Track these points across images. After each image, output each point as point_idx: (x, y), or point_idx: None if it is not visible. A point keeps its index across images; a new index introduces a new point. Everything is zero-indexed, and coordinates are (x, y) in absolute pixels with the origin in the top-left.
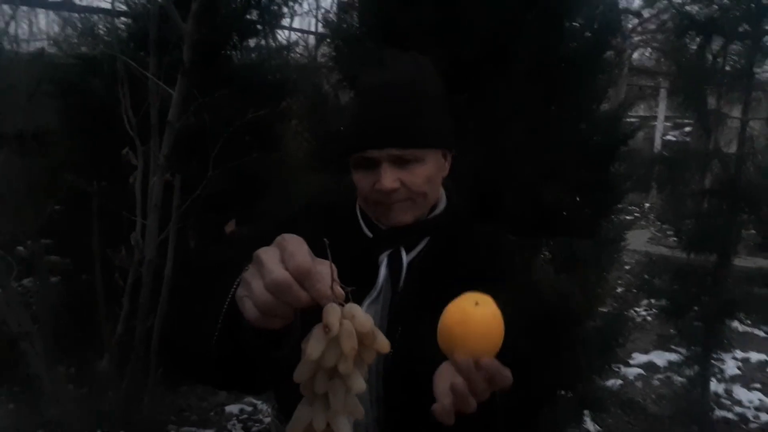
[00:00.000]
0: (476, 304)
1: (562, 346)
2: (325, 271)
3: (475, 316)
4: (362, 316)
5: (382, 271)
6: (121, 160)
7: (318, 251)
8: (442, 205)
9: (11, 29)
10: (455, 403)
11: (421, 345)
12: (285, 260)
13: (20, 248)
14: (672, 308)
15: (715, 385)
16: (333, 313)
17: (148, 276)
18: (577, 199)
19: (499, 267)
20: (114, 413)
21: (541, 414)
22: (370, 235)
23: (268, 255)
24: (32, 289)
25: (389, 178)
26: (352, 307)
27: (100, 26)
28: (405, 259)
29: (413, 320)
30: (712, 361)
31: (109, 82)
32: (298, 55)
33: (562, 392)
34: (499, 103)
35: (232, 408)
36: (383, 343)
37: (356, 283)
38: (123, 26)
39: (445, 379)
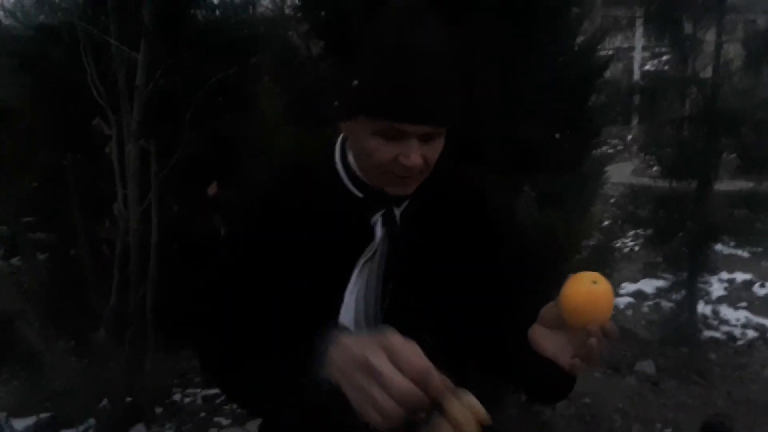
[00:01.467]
0: (594, 282)
1: (549, 280)
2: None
3: (599, 293)
4: (477, 403)
5: (379, 230)
6: (93, 130)
7: (306, 222)
8: None
9: None
10: (588, 362)
11: (412, 298)
12: (399, 364)
13: (3, 228)
14: (657, 236)
15: (702, 307)
16: (458, 409)
17: (135, 245)
18: (556, 134)
19: (485, 213)
20: (117, 382)
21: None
22: (360, 195)
23: (381, 361)
24: (21, 267)
25: (418, 155)
26: (469, 398)
27: None
28: (398, 215)
29: (409, 271)
30: (699, 284)
31: (71, 52)
32: (264, 9)
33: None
34: (470, 41)
35: None
36: (486, 418)
37: (349, 243)
38: None
39: (551, 343)
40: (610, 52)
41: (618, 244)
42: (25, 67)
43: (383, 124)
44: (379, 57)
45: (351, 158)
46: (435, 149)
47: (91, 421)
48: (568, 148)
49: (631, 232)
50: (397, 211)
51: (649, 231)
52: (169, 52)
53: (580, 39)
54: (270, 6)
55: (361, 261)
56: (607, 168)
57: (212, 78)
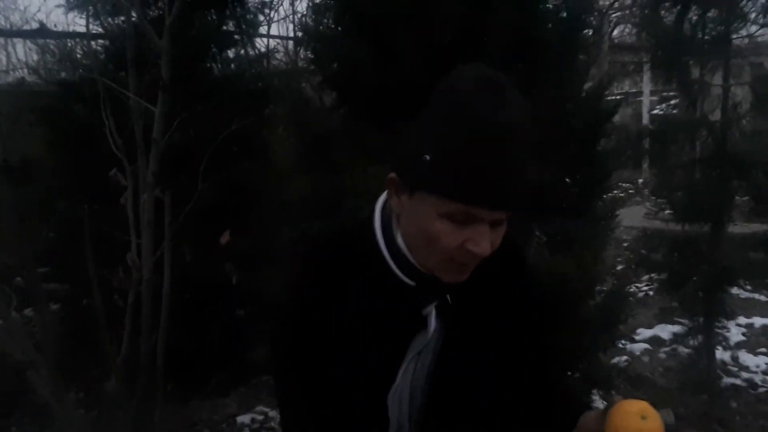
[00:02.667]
0: (643, 418)
1: (563, 327)
2: None
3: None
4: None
5: (432, 321)
6: (110, 181)
7: (352, 314)
8: None
9: None
10: None
11: (458, 389)
12: None
13: (18, 279)
14: (672, 280)
15: (720, 353)
16: None
17: (147, 294)
18: (566, 179)
19: (525, 302)
20: None
21: None
22: (411, 283)
23: None
24: (33, 318)
25: (488, 242)
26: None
27: (78, 50)
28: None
29: (450, 366)
30: (716, 330)
31: (91, 106)
32: (278, 62)
33: (568, 373)
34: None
35: (244, 418)
36: None
37: (400, 336)
38: (100, 48)
39: None
40: (619, 97)
41: (632, 289)
42: (46, 121)
43: (455, 206)
44: (458, 132)
45: (400, 240)
46: (500, 234)
47: None
48: (579, 192)
49: (645, 277)
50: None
51: (663, 275)
52: (185, 105)
53: (588, 85)
54: (284, 59)
55: (410, 355)
56: (618, 212)
57: (227, 129)
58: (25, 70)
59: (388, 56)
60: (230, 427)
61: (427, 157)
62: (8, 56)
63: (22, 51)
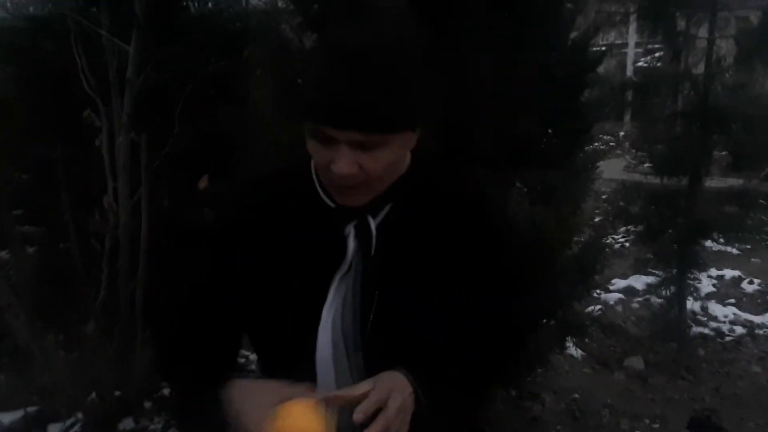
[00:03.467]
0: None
1: (539, 276)
2: None
3: None
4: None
5: (351, 243)
6: (84, 122)
7: (282, 234)
8: (405, 166)
9: None
10: None
11: (399, 310)
12: None
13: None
14: (648, 232)
15: (691, 304)
16: None
17: (125, 239)
18: (548, 130)
19: (470, 218)
20: (106, 376)
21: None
22: (332, 205)
23: None
24: (9, 261)
25: (347, 162)
26: None
27: None
28: (373, 226)
29: (390, 287)
30: (688, 281)
31: (63, 43)
32: (258, 1)
33: (544, 321)
34: (461, 36)
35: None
36: None
37: (324, 257)
38: None
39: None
40: (604, 48)
41: (609, 241)
42: (16, 59)
43: (310, 125)
44: (317, 56)
45: None
46: (377, 159)
47: (79, 415)
48: (560, 144)
49: (622, 229)
50: (374, 222)
51: (640, 227)
52: (160, 45)
53: (573, 34)
54: None
55: (338, 276)
56: (599, 164)
57: (204, 70)
58: None
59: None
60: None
61: (299, 81)
62: None
63: None
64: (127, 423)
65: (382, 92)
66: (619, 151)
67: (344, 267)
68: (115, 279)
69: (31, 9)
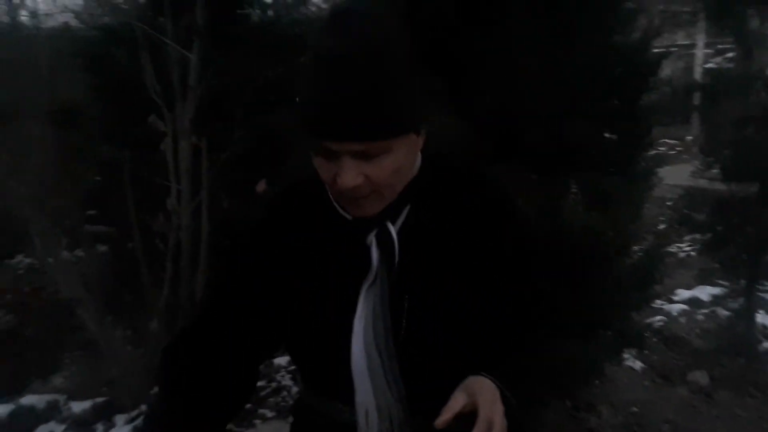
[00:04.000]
0: None
1: (594, 283)
2: None
3: None
4: None
5: (374, 252)
6: (149, 127)
7: (306, 250)
8: (416, 168)
9: (29, 3)
10: None
11: (431, 314)
12: None
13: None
14: (714, 241)
15: (762, 317)
16: None
17: (186, 240)
18: (604, 133)
19: (491, 215)
20: None
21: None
22: (349, 217)
23: None
24: (82, 258)
25: (351, 174)
26: None
27: None
28: (394, 232)
29: (418, 290)
30: (758, 293)
31: (131, 51)
32: (316, 7)
33: (600, 330)
34: (515, 35)
35: (281, 360)
36: None
37: (350, 269)
38: None
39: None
40: (671, 50)
41: (673, 249)
42: (89, 67)
43: (312, 141)
44: (308, 68)
45: None
46: (381, 167)
47: (143, 406)
48: (618, 147)
49: (688, 237)
50: (394, 228)
51: (707, 236)
52: (221, 52)
53: (635, 35)
54: (323, 4)
55: (365, 287)
56: (664, 169)
57: (263, 76)
58: (70, 15)
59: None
60: (268, 368)
61: (297, 99)
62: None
63: None
64: None
65: (372, 99)
66: (686, 156)
67: (370, 277)
68: (178, 278)
69: (105, 19)
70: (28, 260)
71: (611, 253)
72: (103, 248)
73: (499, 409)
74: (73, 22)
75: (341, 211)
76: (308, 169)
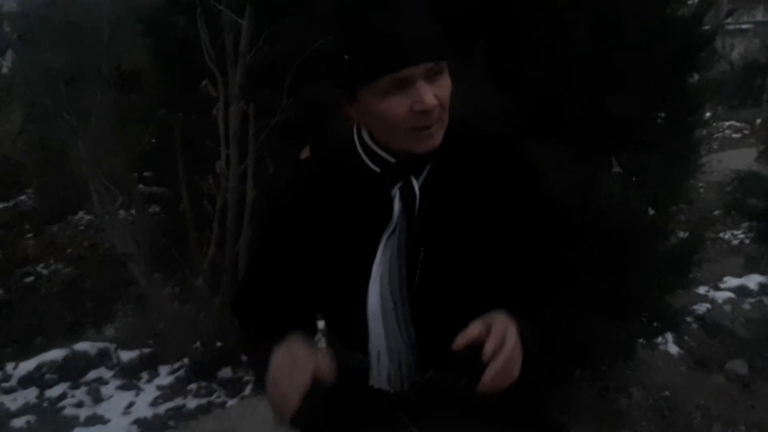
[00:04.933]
0: None
1: (627, 262)
2: None
3: None
4: None
5: (396, 203)
6: (201, 92)
7: (334, 205)
8: None
9: None
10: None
11: (444, 267)
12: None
13: (141, 186)
14: (766, 228)
15: None
16: None
17: (232, 202)
18: (650, 111)
19: (514, 180)
20: (210, 327)
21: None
22: (377, 170)
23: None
24: (136, 217)
25: (430, 95)
26: None
27: None
28: (417, 186)
29: (434, 243)
30: None
31: (189, 17)
32: None
33: (633, 311)
34: (562, 4)
35: (319, 323)
36: None
37: (373, 219)
38: None
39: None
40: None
41: (727, 236)
42: (148, 32)
43: (382, 81)
44: (354, 23)
45: (366, 137)
46: (443, 87)
47: (186, 360)
48: (664, 126)
49: (745, 224)
50: (417, 182)
51: (762, 224)
52: (273, 19)
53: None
54: None
55: (385, 236)
56: (727, 153)
57: (311, 45)
58: None
59: None
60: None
61: (346, 57)
62: None
63: None
64: (226, 372)
65: (429, 25)
66: (752, 140)
67: (391, 226)
68: (224, 239)
69: None
70: (88, 217)
71: (649, 233)
72: (155, 208)
73: (513, 330)
74: None
75: (370, 164)
76: (324, 140)
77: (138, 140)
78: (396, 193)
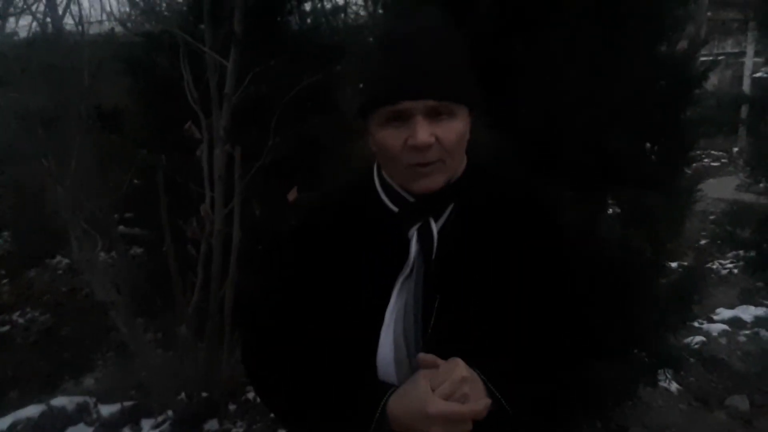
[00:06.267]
0: None
1: (630, 303)
2: None
3: None
4: None
5: (413, 246)
6: (185, 133)
7: (348, 243)
8: (463, 166)
9: (76, 10)
10: None
11: (460, 315)
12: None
13: (121, 227)
14: (758, 259)
15: None
16: None
17: (218, 246)
18: (645, 147)
19: (535, 228)
20: (195, 377)
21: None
22: (395, 209)
23: (436, 408)
24: (117, 260)
25: (425, 131)
26: None
27: (162, 2)
28: (435, 229)
29: (451, 290)
30: None
31: (172, 58)
32: (355, 15)
33: (633, 351)
34: (555, 43)
35: None
36: None
37: (388, 261)
38: (182, 0)
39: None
40: (719, 58)
41: (715, 266)
42: (131, 73)
43: (383, 110)
44: (371, 53)
45: (385, 174)
46: (449, 129)
47: (170, 412)
48: (660, 162)
49: (731, 254)
50: (436, 225)
51: (751, 253)
52: (258, 59)
53: (682, 43)
54: (361, 11)
55: (400, 279)
56: (707, 182)
57: (299, 84)
58: (115, 22)
59: (463, 16)
60: None
61: (361, 85)
62: (102, 7)
63: (115, 2)
64: (212, 424)
65: (440, 65)
66: (731, 169)
67: (406, 270)
68: (208, 284)
69: (147, 26)
70: (66, 261)
71: (649, 271)
72: (137, 251)
73: (461, 369)
74: (117, 29)
75: (388, 203)
76: (348, 177)
77: (119, 182)
78: (413, 234)
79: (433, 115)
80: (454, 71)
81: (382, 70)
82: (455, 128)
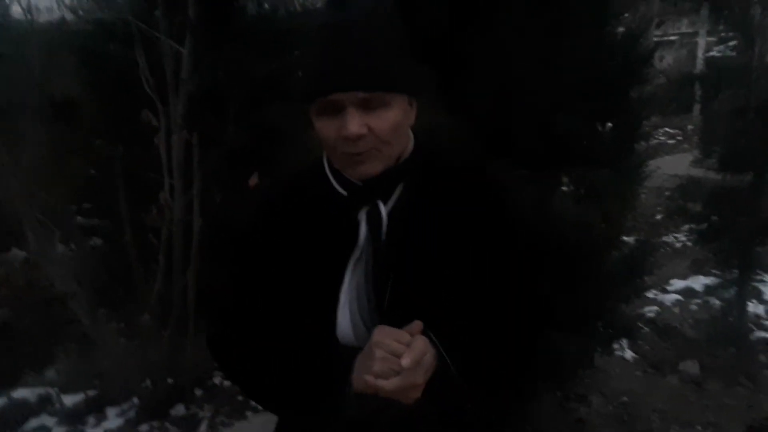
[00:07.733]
0: None
1: (584, 276)
2: None
3: None
4: None
5: (363, 228)
6: (142, 121)
7: (300, 227)
8: (410, 149)
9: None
10: None
11: (413, 292)
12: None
13: (79, 218)
14: (708, 231)
15: (754, 307)
16: None
17: (178, 234)
18: (596, 126)
19: (483, 204)
20: (160, 363)
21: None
22: (344, 193)
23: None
24: (76, 252)
25: (356, 123)
26: None
27: None
28: (384, 211)
29: (402, 269)
30: (751, 283)
31: (126, 46)
32: (311, 2)
33: (592, 322)
34: (506, 30)
35: None
36: None
37: (340, 244)
38: None
39: None
40: (672, 38)
41: (670, 239)
42: (84, 62)
43: (320, 102)
44: (313, 38)
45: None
46: (382, 119)
47: (135, 399)
48: (609, 140)
49: (686, 227)
50: (385, 208)
51: (702, 226)
52: (215, 46)
53: (630, 25)
54: None
55: (352, 261)
56: (663, 159)
57: (257, 71)
58: (66, 9)
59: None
60: None
61: (300, 74)
62: None
63: None
64: (179, 409)
65: (374, 54)
66: (686, 146)
67: (357, 252)
68: (170, 272)
69: (99, 15)
70: (23, 254)
71: (602, 245)
72: (96, 242)
73: (420, 341)
74: (68, 17)
75: (338, 188)
76: (300, 162)
77: (76, 173)
78: (363, 217)
79: (366, 106)
80: (388, 60)
81: (315, 62)
82: (389, 118)
